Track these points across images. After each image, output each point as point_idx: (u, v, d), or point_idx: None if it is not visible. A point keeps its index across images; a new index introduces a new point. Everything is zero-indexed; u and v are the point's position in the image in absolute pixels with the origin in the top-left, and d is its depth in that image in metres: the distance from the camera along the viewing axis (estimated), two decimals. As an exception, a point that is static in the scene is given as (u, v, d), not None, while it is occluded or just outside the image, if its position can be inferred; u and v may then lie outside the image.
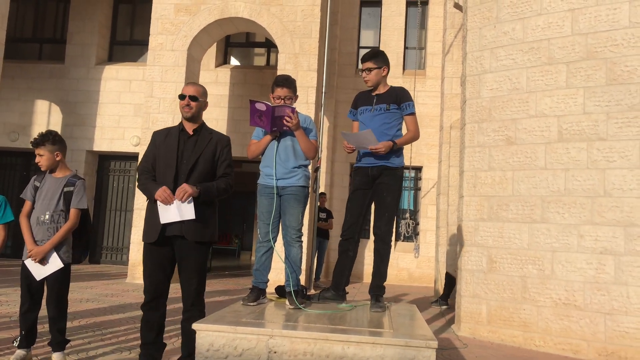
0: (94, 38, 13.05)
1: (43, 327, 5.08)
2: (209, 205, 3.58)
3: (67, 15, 13.54)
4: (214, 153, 3.61)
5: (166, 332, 4.81)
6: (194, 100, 3.60)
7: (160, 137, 3.64)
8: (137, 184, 3.63)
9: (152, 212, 3.52)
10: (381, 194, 3.93)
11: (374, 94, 4.06)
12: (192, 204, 3.42)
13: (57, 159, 3.95)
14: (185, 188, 3.40)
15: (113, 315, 6.10)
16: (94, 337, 4.97)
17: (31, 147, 3.91)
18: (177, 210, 3.41)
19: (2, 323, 5.41)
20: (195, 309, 3.53)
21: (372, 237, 4.23)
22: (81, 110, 12.89)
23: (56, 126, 12.85)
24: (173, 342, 4.77)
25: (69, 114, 12.90)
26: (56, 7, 13.73)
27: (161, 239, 3.49)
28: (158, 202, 3.43)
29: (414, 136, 4.01)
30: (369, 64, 3.97)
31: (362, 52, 13.61)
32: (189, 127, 3.64)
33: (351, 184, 4.14)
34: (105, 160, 13.10)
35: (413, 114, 4.01)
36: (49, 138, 3.91)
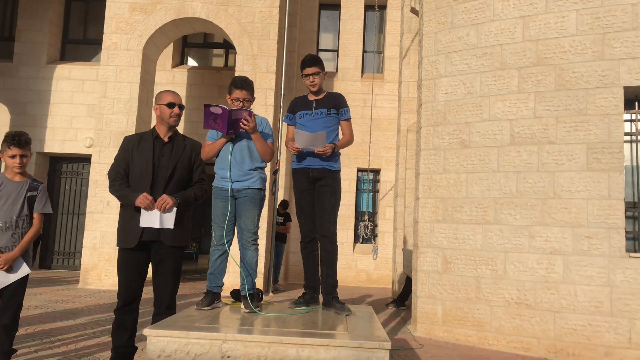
0: (45, 36, 12.63)
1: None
2: (185, 211, 3.69)
3: (15, 12, 13.06)
4: (190, 159, 3.73)
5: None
6: (182, 109, 3.72)
7: (133, 143, 3.67)
8: (110, 189, 3.65)
9: (127, 218, 3.58)
10: (325, 195, 3.99)
11: (311, 99, 4.11)
12: (174, 213, 3.55)
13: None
14: (165, 199, 3.50)
15: (63, 322, 5.90)
16: (42, 345, 4.79)
17: (12, 147, 3.69)
18: (158, 218, 3.52)
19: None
20: (169, 312, 3.58)
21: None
22: (31, 111, 12.45)
23: (4, 127, 12.37)
24: (142, 347, 4.65)
25: (19, 114, 12.44)
26: (4, 4, 13.23)
27: (139, 243, 3.54)
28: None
29: (350, 140, 4.15)
30: (316, 69, 4.02)
31: (322, 55, 13.65)
32: (164, 134, 3.70)
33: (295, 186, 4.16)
34: (56, 162, 12.69)
35: (349, 119, 4.15)
36: (29, 139, 3.78)
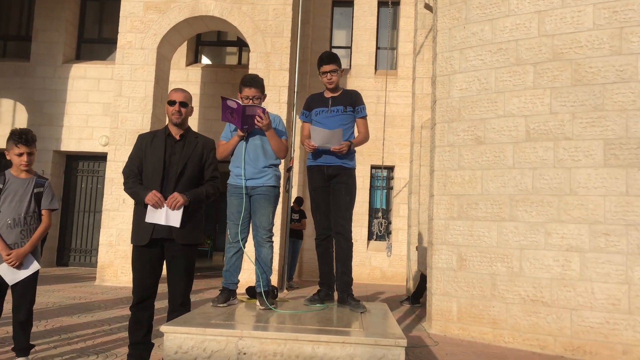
0: (61, 36, 12.76)
1: (7, 332, 4.96)
2: (197, 208, 3.69)
3: (32, 12, 13.21)
4: (201, 157, 3.72)
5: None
6: (184, 106, 3.70)
7: (146, 141, 3.70)
8: (124, 186, 3.68)
9: (140, 216, 3.60)
10: (340, 192, 4.00)
11: (327, 96, 4.11)
12: (180, 211, 3.54)
13: None
14: (176, 197, 3.51)
15: (80, 319, 5.98)
16: (60, 341, 4.86)
17: (19, 145, 3.72)
18: (165, 215, 3.51)
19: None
20: (183, 309, 3.60)
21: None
22: (48, 110, 12.60)
23: (22, 125, 12.53)
24: (159, 344, 4.70)
25: (36, 113, 12.60)
26: (21, 4, 13.39)
27: (151, 240, 3.56)
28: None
29: (365, 138, 4.15)
30: (333, 66, 4.01)
31: (335, 51, 13.62)
32: (176, 132, 3.72)
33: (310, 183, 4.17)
34: (73, 161, 12.84)
35: (365, 117, 4.14)
36: (35, 136, 3.83)
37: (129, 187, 3.62)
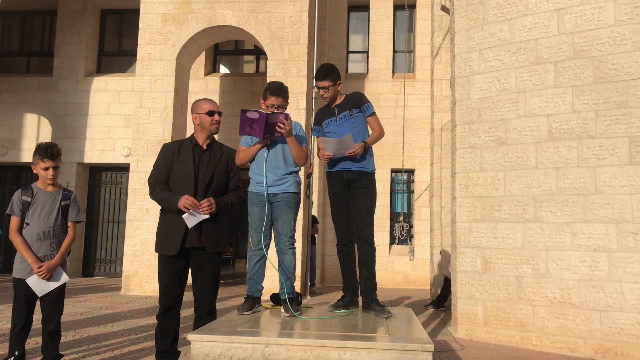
0: (82, 50, 13.00)
1: (37, 343, 5.04)
2: (222, 217, 3.76)
3: (54, 28, 13.49)
4: (227, 167, 3.79)
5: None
6: (221, 115, 3.82)
7: (172, 150, 3.73)
8: (151, 195, 3.69)
9: (168, 224, 3.63)
10: (360, 197, 4.00)
11: (332, 106, 4.15)
12: (205, 217, 3.58)
13: None
14: (212, 202, 3.57)
15: (108, 328, 6.05)
16: (89, 350, 4.92)
17: (45, 160, 3.79)
18: (197, 217, 3.57)
19: (-5, 340, 5.35)
20: (209, 317, 3.64)
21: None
22: (71, 123, 12.83)
23: (46, 139, 12.77)
24: (185, 352, 4.73)
25: (59, 126, 12.83)
26: (43, 20, 13.68)
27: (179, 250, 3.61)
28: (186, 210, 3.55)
29: (380, 134, 4.14)
30: (326, 83, 4.05)
31: (352, 56, 13.65)
32: (203, 142, 3.78)
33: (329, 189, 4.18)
34: (96, 172, 13.04)
35: (374, 113, 4.14)
36: (60, 150, 3.91)
37: (158, 195, 3.63)
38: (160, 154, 3.76)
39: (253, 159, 3.82)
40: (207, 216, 3.56)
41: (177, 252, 3.58)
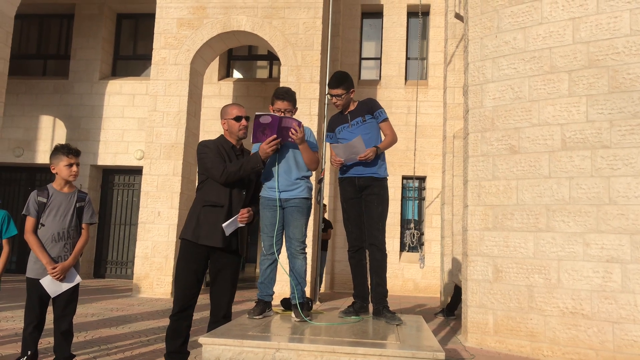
0: (98, 53, 13.15)
1: (49, 343, 5.08)
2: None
3: (70, 32, 13.67)
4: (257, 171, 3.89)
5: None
6: (248, 120, 3.89)
7: (216, 147, 3.77)
8: (223, 176, 3.64)
9: (213, 218, 3.68)
10: (372, 204, 4.01)
11: (345, 113, 4.17)
12: (243, 225, 3.76)
13: None
14: (251, 213, 3.74)
15: (119, 330, 6.09)
16: (100, 351, 4.96)
17: (70, 156, 3.87)
18: (235, 225, 3.69)
19: (8, 338, 5.40)
20: (225, 321, 3.69)
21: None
22: (85, 125, 12.97)
23: (60, 141, 12.91)
24: (195, 355, 4.76)
25: (74, 128, 12.97)
26: (60, 24, 13.86)
27: (204, 250, 3.68)
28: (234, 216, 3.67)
29: (393, 140, 4.15)
30: (339, 91, 4.07)
31: (364, 63, 13.67)
32: (237, 145, 3.91)
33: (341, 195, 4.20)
34: (109, 175, 13.15)
35: (387, 119, 4.15)
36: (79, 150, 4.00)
37: (234, 166, 3.64)
38: (204, 147, 3.74)
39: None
40: (244, 225, 3.72)
41: (220, 244, 3.63)
